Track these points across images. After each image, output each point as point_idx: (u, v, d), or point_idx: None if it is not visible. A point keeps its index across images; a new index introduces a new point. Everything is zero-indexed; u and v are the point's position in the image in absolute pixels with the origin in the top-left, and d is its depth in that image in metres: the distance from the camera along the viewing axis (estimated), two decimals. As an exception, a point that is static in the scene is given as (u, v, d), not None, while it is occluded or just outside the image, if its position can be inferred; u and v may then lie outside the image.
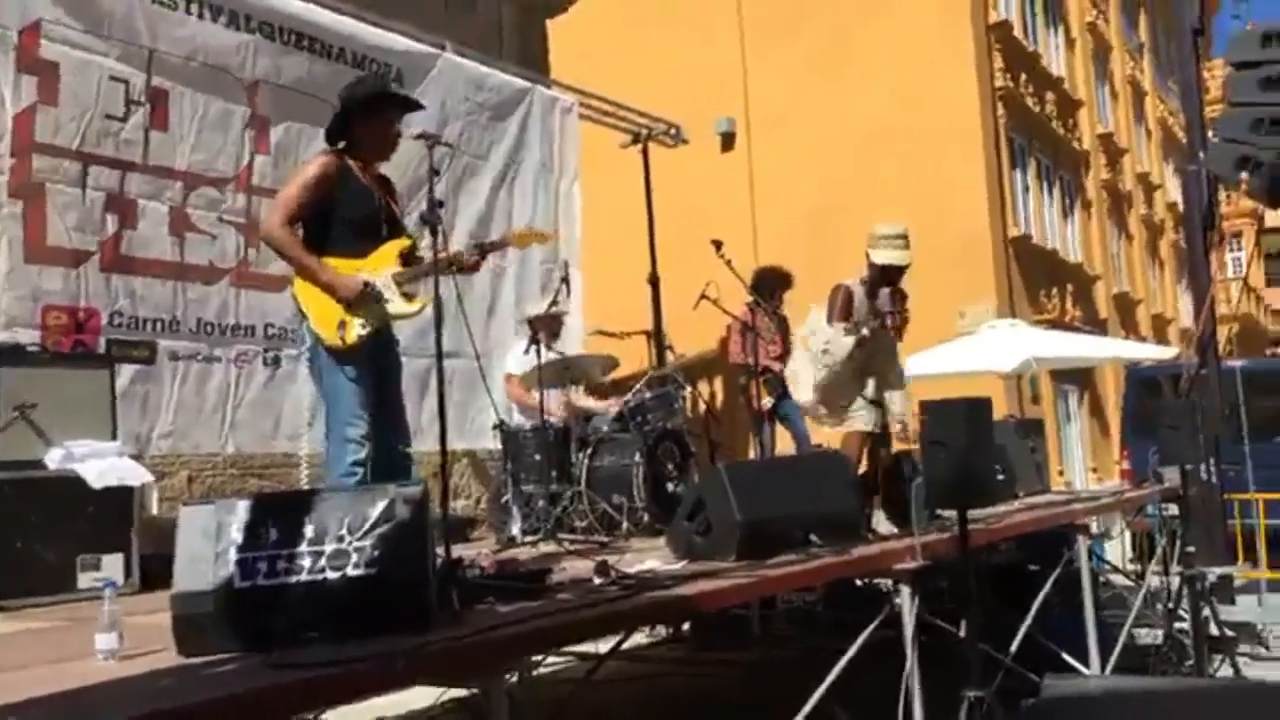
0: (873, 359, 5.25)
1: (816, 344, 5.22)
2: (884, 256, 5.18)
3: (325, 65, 6.81)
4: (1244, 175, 7.34)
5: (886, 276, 5.24)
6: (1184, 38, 8.68)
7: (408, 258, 3.94)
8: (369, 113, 3.96)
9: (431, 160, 3.68)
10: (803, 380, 5.29)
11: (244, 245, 6.24)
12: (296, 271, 3.86)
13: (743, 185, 16.25)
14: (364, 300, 3.80)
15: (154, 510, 4.75)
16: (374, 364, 3.90)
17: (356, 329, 3.79)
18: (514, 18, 10.05)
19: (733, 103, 16.55)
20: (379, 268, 3.87)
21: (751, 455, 7.35)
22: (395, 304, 3.88)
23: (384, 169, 4.19)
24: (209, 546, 2.66)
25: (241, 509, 2.72)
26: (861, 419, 5.21)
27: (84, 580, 4.29)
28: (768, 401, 7.06)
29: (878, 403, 5.28)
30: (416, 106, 4.29)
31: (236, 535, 2.68)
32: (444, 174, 7.20)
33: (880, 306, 5.20)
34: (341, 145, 3.98)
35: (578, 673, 6.00)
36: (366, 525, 2.73)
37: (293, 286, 3.91)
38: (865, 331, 5.10)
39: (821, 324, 5.26)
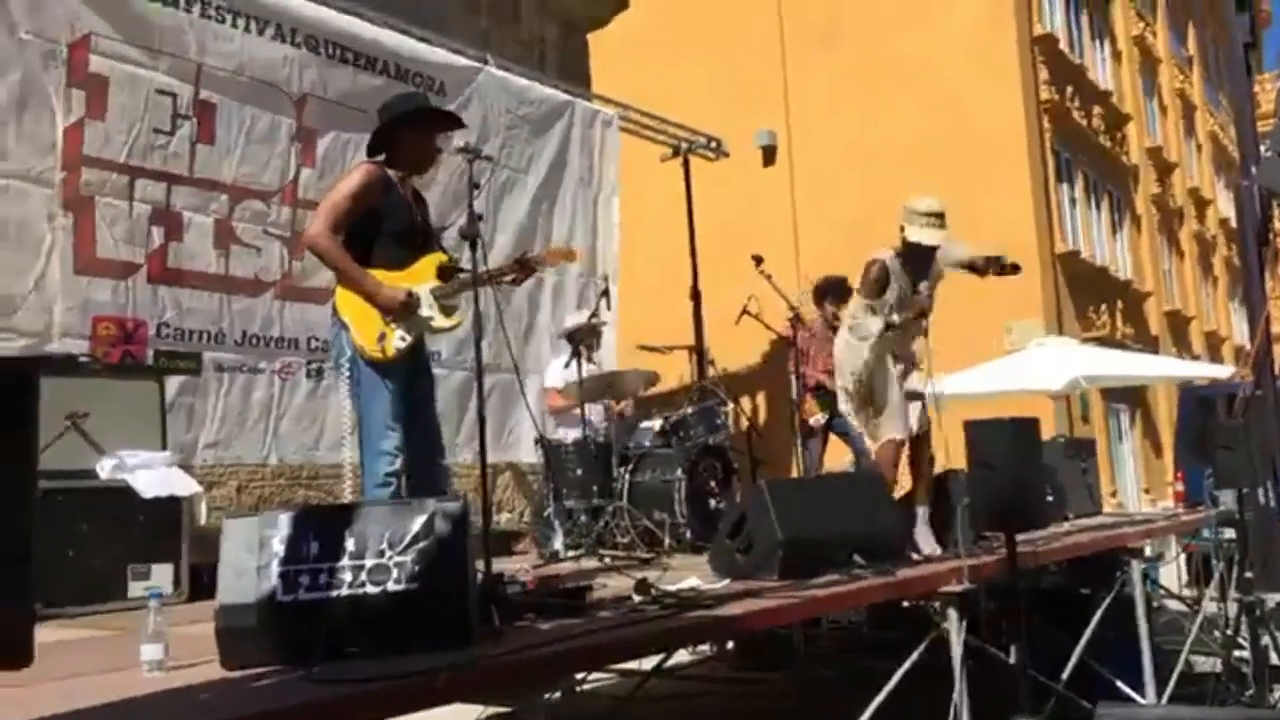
0: (906, 350, 5.04)
1: (846, 324, 5.07)
2: (916, 234, 4.89)
3: (370, 78, 6.86)
4: (1297, 191, 7.18)
5: (919, 254, 4.99)
6: (1235, 51, 8.50)
7: (445, 272, 3.93)
8: (412, 127, 3.99)
9: (471, 173, 3.70)
10: (844, 371, 5.10)
11: (288, 258, 6.28)
12: (340, 280, 3.86)
13: (784, 198, 16.17)
14: (406, 312, 3.80)
15: (203, 520, 4.78)
16: (411, 377, 3.91)
17: (396, 341, 3.79)
18: (556, 32, 10.09)
19: (774, 116, 16.50)
20: (419, 281, 3.87)
21: (794, 471, 7.24)
22: (435, 318, 3.89)
23: (425, 182, 4.18)
24: (252, 559, 2.67)
25: (284, 522, 2.72)
26: (893, 426, 4.99)
27: (134, 589, 4.32)
28: (820, 417, 6.91)
29: (915, 396, 5.04)
30: (459, 124, 4.28)
31: (279, 548, 2.68)
32: (484, 187, 7.25)
33: (922, 300, 4.95)
34: (382, 158, 3.99)
35: (620, 689, 5.97)
36: (407, 540, 2.72)
37: (334, 296, 3.91)
38: (896, 319, 4.87)
39: (854, 304, 5.11)
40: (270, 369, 6.20)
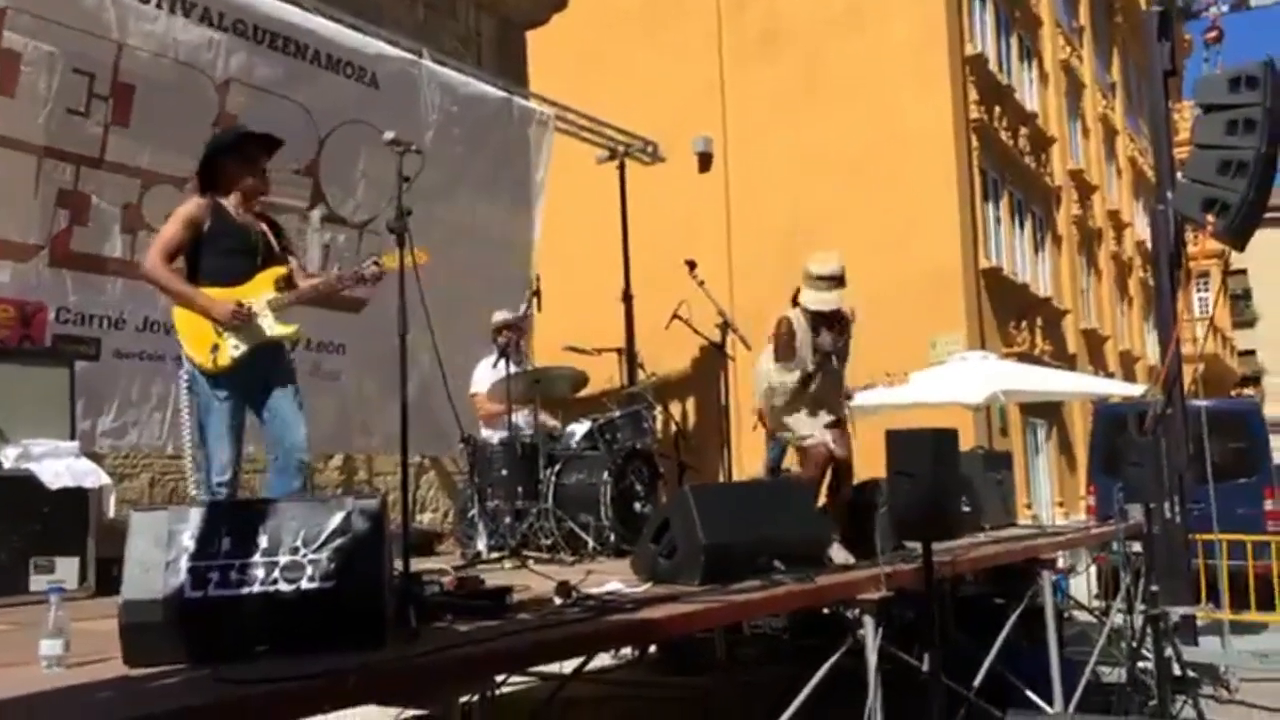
0: (823, 392, 5.14)
1: (761, 388, 5.19)
2: (810, 299, 5.03)
3: (300, 67, 6.72)
4: (1210, 216, 7.42)
5: (821, 314, 5.09)
6: (1155, 78, 8.78)
7: (284, 285, 4.21)
8: (233, 157, 4.23)
9: (400, 167, 3.73)
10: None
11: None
12: (175, 301, 4.11)
13: (719, 205, 16.29)
14: (238, 322, 4.04)
15: (111, 513, 4.65)
16: (253, 381, 4.13)
17: (229, 351, 4.04)
18: (493, 29, 10.02)
19: (711, 124, 16.61)
20: (254, 294, 4.13)
21: (723, 475, 7.30)
22: (270, 326, 4.13)
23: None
24: (160, 554, 2.60)
25: (195, 516, 2.67)
26: (822, 434, 5.08)
27: (36, 583, 4.21)
28: None
29: (836, 424, 5.16)
30: (278, 144, 4.41)
31: (189, 543, 2.62)
32: (413, 181, 7.11)
33: (822, 345, 5.05)
34: (211, 187, 4.21)
35: (541, 693, 5.93)
36: (322, 537, 2.68)
37: (172, 317, 4.15)
38: (810, 368, 5.00)
39: (766, 366, 5.19)
40: (171, 357, 6.00)
